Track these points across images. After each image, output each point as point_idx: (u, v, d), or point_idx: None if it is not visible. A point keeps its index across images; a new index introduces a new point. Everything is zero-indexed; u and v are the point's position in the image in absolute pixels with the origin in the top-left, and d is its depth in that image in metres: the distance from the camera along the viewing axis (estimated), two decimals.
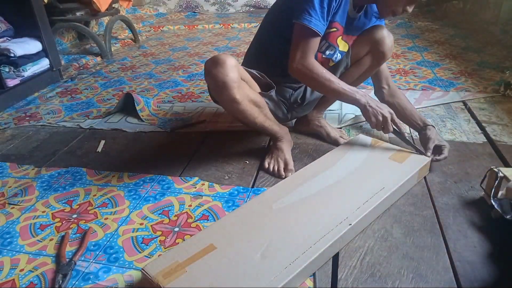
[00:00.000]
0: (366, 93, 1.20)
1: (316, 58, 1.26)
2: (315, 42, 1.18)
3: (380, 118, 1.17)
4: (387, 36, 1.31)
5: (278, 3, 1.31)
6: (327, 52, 1.29)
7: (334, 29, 1.24)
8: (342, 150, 1.31)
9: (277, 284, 0.80)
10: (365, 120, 1.22)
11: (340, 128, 1.59)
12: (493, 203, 1.01)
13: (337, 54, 1.33)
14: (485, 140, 1.46)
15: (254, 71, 1.30)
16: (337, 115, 1.71)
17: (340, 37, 1.28)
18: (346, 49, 1.35)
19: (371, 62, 1.36)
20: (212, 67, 1.13)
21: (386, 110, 1.18)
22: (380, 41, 1.31)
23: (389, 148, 1.30)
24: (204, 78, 1.21)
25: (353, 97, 1.18)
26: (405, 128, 1.32)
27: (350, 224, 0.96)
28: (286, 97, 1.41)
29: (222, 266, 0.85)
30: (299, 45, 1.18)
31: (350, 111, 1.73)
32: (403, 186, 1.14)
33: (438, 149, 1.26)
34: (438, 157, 1.24)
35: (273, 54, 1.32)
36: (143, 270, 0.85)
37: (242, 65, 1.31)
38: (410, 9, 1.17)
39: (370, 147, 1.31)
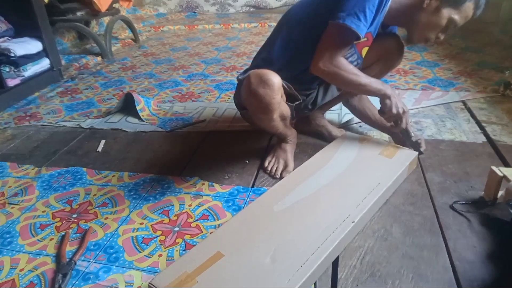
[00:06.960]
0: (391, 86, 1.20)
1: None
2: (350, 45, 1.15)
3: (400, 111, 1.16)
4: (402, 43, 1.31)
5: (305, 8, 1.23)
6: (350, 59, 1.24)
7: (365, 39, 1.19)
8: (332, 148, 1.32)
9: (293, 286, 0.80)
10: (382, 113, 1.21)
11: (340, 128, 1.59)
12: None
13: (357, 62, 1.28)
14: (485, 140, 1.46)
15: (283, 83, 1.23)
16: (337, 115, 1.71)
17: (367, 47, 1.25)
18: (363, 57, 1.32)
19: (381, 68, 1.36)
20: (260, 86, 1.08)
21: (406, 107, 1.18)
22: (396, 50, 1.31)
23: (377, 144, 1.32)
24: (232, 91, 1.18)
25: (379, 88, 1.15)
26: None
27: (354, 221, 0.97)
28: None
29: (233, 274, 0.84)
30: (332, 45, 1.11)
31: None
32: (396, 181, 1.16)
33: (417, 144, 1.30)
34: (422, 150, 1.29)
35: (295, 61, 1.25)
36: (151, 284, 0.82)
37: (250, 69, 1.27)
38: (442, 36, 1.16)
39: (359, 144, 1.33)
